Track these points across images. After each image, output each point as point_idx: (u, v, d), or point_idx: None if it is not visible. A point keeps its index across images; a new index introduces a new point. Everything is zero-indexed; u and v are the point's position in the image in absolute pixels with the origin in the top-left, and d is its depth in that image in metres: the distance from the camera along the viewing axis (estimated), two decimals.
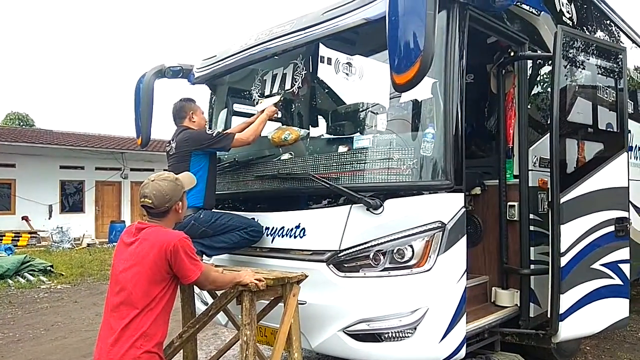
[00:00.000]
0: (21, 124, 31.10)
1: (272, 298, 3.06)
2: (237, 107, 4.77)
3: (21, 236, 16.79)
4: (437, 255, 2.93)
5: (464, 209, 3.07)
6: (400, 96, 3.08)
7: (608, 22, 5.49)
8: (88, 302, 8.22)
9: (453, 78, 3.02)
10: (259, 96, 4.08)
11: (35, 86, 64.96)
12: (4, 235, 16.20)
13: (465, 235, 3.08)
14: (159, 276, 2.47)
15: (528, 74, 3.88)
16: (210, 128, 4.38)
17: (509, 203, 3.89)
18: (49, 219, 18.44)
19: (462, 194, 3.09)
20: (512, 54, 3.86)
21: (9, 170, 17.82)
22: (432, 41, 2.47)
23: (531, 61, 3.94)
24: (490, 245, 4.10)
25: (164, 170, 3.70)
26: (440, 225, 2.94)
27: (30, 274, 10.40)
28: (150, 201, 2.57)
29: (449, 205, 3.00)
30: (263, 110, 3.82)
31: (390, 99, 3.11)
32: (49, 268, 10.92)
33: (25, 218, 17.77)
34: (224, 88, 4.78)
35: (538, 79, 4.06)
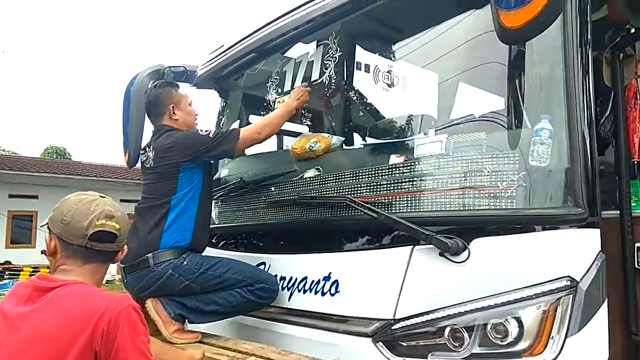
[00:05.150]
0: (58, 157, 31.52)
1: None
2: (253, 117, 3.74)
3: (39, 271, 16.08)
4: (566, 335, 1.73)
5: (603, 256, 1.87)
6: (491, 67, 1.95)
7: None
8: None
9: (582, 44, 1.88)
10: (277, 94, 3.02)
11: (73, 121, 67.78)
12: (22, 270, 15.49)
13: (607, 300, 1.88)
14: None
15: None
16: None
17: (637, 244, 2.66)
18: None
19: (599, 231, 1.90)
20: (632, 30, 2.73)
21: (31, 201, 17.32)
22: None
23: None
24: (609, 305, 2.84)
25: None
26: (569, 283, 1.75)
27: None
28: (118, 226, 1.62)
29: (581, 250, 1.81)
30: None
31: (474, 73, 1.99)
32: None
33: (44, 252, 17.12)
34: (236, 93, 3.75)
35: None
